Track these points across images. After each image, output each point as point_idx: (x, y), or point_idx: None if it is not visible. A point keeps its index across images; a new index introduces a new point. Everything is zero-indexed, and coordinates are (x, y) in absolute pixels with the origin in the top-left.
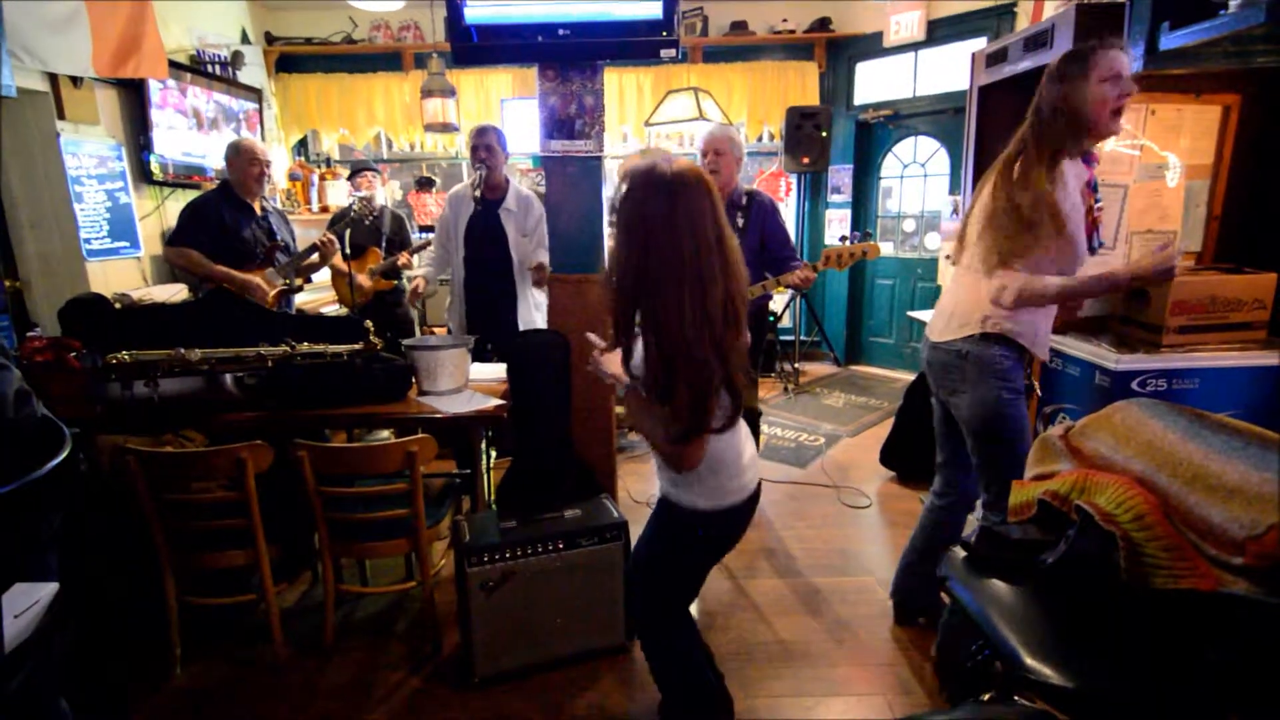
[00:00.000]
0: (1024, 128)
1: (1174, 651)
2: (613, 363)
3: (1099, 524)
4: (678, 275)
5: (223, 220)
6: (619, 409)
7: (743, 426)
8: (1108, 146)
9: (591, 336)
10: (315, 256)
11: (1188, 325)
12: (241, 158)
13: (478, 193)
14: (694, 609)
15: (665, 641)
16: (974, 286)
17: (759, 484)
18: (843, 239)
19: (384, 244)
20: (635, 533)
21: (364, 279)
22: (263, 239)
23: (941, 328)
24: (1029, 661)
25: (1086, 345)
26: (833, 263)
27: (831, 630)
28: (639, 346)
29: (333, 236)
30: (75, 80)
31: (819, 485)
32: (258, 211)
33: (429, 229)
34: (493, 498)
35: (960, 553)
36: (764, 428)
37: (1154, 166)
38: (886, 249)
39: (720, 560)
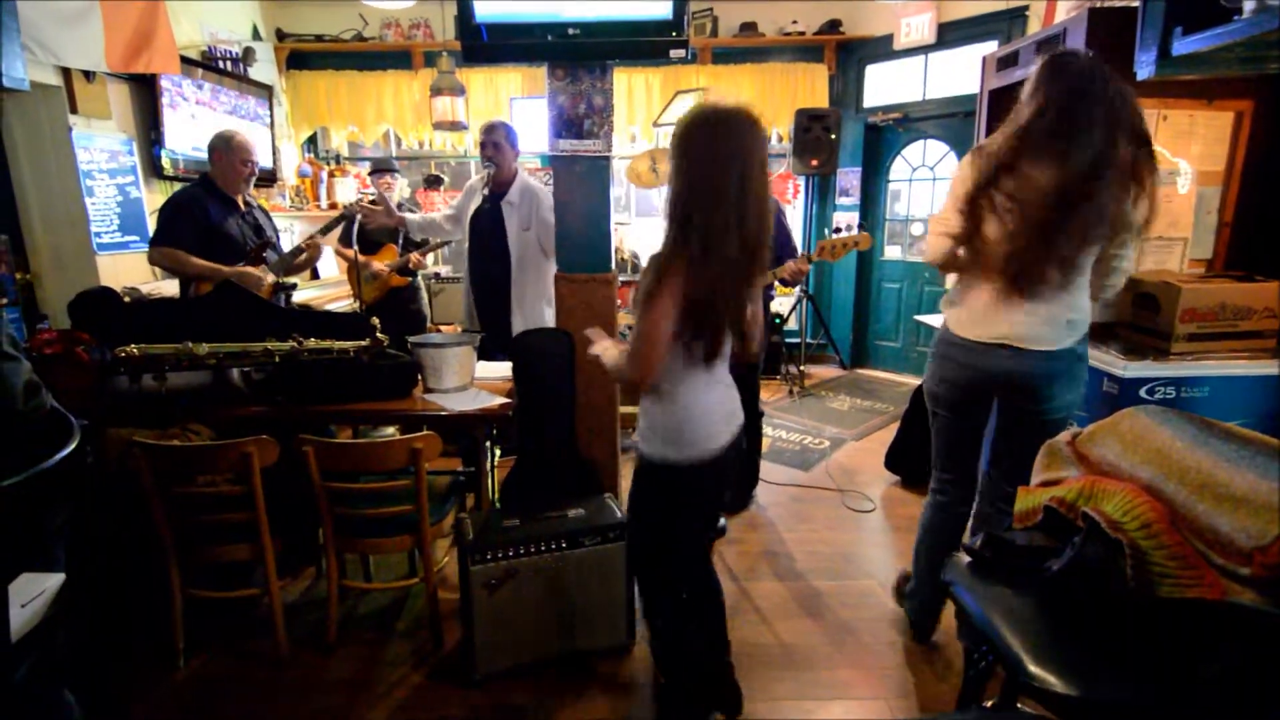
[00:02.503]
0: None
1: (1180, 661)
2: (610, 346)
3: (1105, 531)
4: (717, 200)
5: (208, 216)
6: (624, 409)
7: (723, 387)
8: None
9: (590, 332)
10: (303, 258)
11: (1197, 333)
12: (234, 154)
13: (485, 190)
14: None
15: (654, 608)
16: (1082, 290)
17: (731, 442)
18: (836, 230)
19: (400, 240)
20: None
21: (383, 267)
22: (251, 235)
23: (1057, 335)
24: (1033, 669)
25: (1094, 351)
26: (826, 254)
27: (833, 634)
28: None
29: (319, 240)
30: (88, 75)
31: (823, 488)
32: (241, 207)
33: None
34: (496, 496)
35: (965, 558)
36: (768, 430)
37: (1165, 173)
38: (894, 252)
39: (696, 520)
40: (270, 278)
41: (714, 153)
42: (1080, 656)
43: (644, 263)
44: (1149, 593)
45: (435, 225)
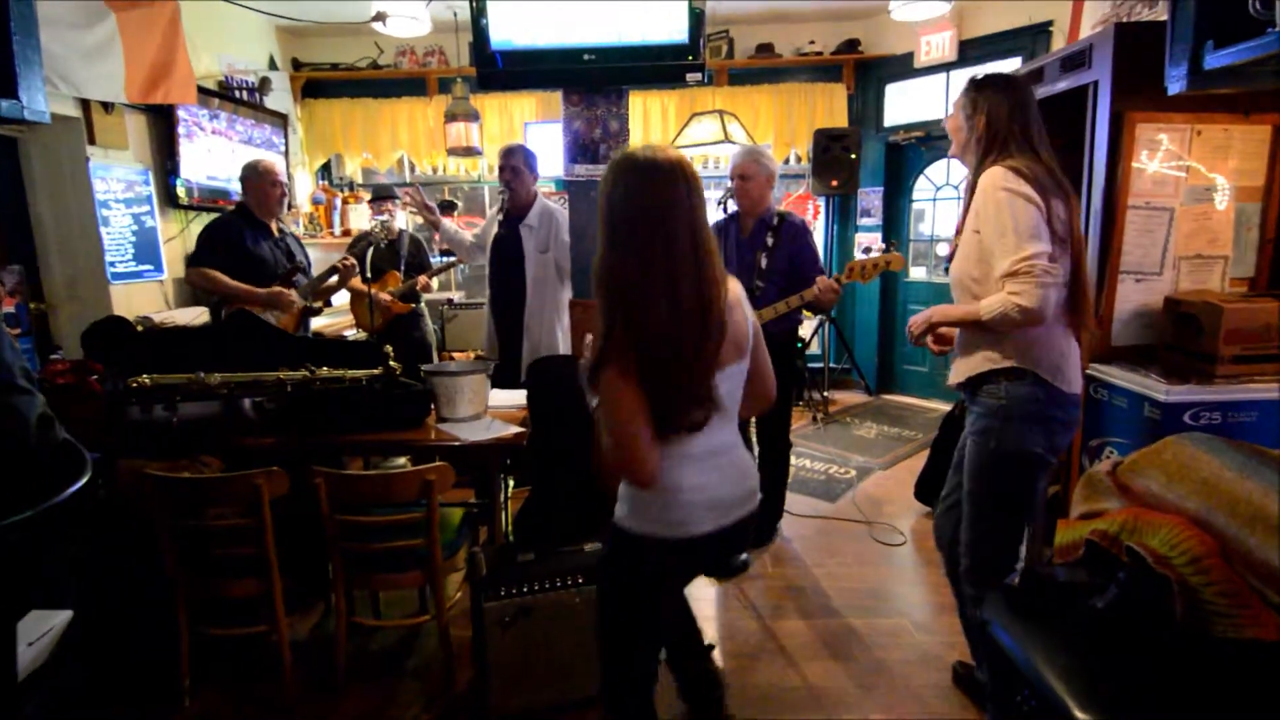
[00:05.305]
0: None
1: (1238, 706)
2: None
3: (1152, 567)
4: (645, 268)
5: (243, 241)
6: None
7: (721, 468)
8: (1150, 169)
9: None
10: (334, 279)
11: (1242, 355)
12: (263, 179)
13: (501, 215)
14: (717, 652)
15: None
16: None
17: (712, 536)
18: (866, 250)
19: (403, 267)
20: None
21: (385, 296)
22: (283, 260)
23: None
24: (1079, 714)
25: (1134, 375)
26: (856, 275)
27: (864, 676)
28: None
29: (353, 260)
30: (106, 106)
31: (850, 520)
32: (275, 233)
33: (449, 253)
34: (510, 529)
35: (1003, 596)
36: (791, 459)
37: (1201, 189)
38: (919, 273)
39: (661, 600)
40: (300, 301)
41: (633, 208)
42: (1130, 701)
43: None
44: (1202, 633)
45: (461, 241)
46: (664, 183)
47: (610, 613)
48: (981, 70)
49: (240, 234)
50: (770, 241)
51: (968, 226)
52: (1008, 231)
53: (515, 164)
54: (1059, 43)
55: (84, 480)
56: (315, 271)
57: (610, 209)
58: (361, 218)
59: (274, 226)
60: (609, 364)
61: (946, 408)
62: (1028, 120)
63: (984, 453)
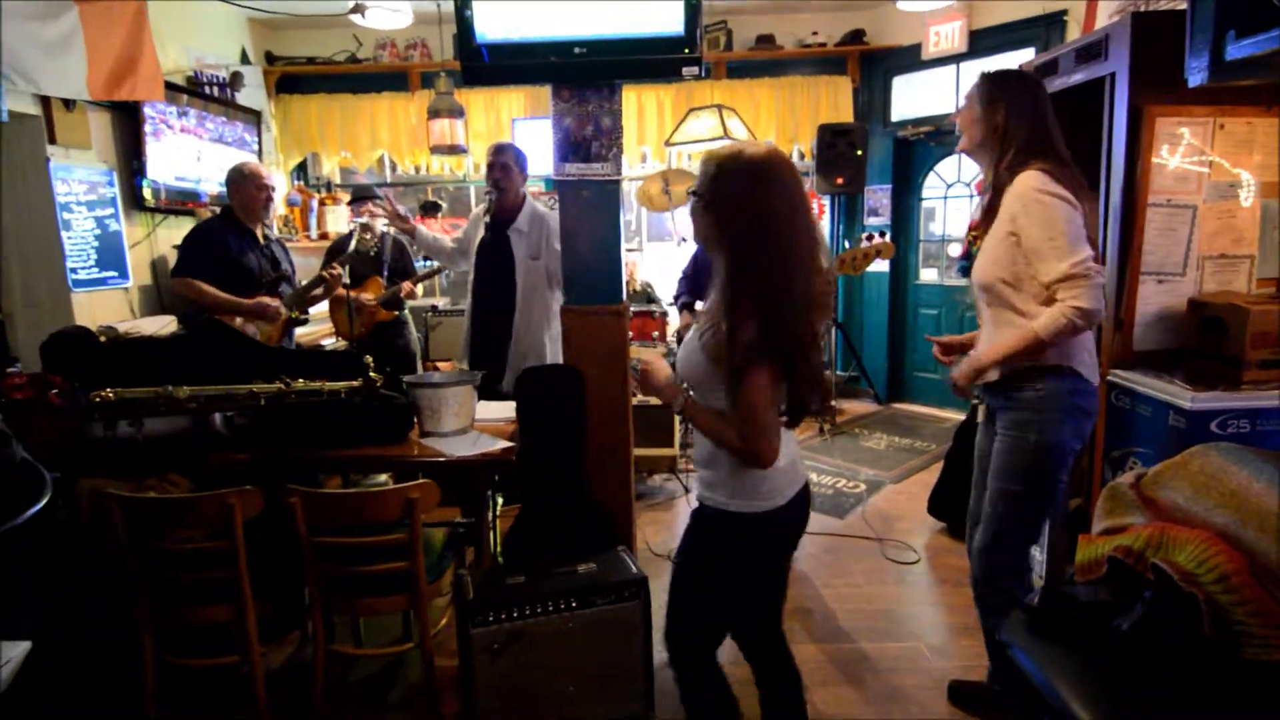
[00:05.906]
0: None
1: None
2: (661, 372)
3: (1178, 585)
4: (770, 258)
5: (228, 248)
6: (638, 450)
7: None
8: (1171, 164)
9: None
10: (320, 289)
11: (1271, 359)
12: (248, 182)
13: (488, 217)
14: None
15: (700, 675)
16: None
17: (801, 491)
18: (857, 241)
19: (385, 272)
20: (655, 588)
21: (369, 298)
22: (268, 268)
23: None
24: None
25: (1157, 381)
26: (847, 266)
27: (877, 703)
28: (692, 339)
29: (339, 269)
30: (68, 103)
31: (860, 537)
32: (260, 240)
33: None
34: (499, 550)
35: (1023, 617)
36: None
37: (1225, 185)
38: (930, 275)
39: (778, 573)
40: (285, 311)
41: (759, 206)
42: None
43: (658, 293)
44: (1232, 654)
45: (441, 248)
46: (786, 178)
47: (715, 592)
48: (993, 63)
49: (224, 241)
50: None
51: (998, 229)
52: (1058, 235)
53: (505, 161)
54: (1074, 33)
55: (44, 501)
56: (298, 276)
57: (732, 208)
58: (340, 220)
59: (259, 232)
60: (761, 363)
61: (960, 417)
62: (1049, 120)
63: (1021, 446)
